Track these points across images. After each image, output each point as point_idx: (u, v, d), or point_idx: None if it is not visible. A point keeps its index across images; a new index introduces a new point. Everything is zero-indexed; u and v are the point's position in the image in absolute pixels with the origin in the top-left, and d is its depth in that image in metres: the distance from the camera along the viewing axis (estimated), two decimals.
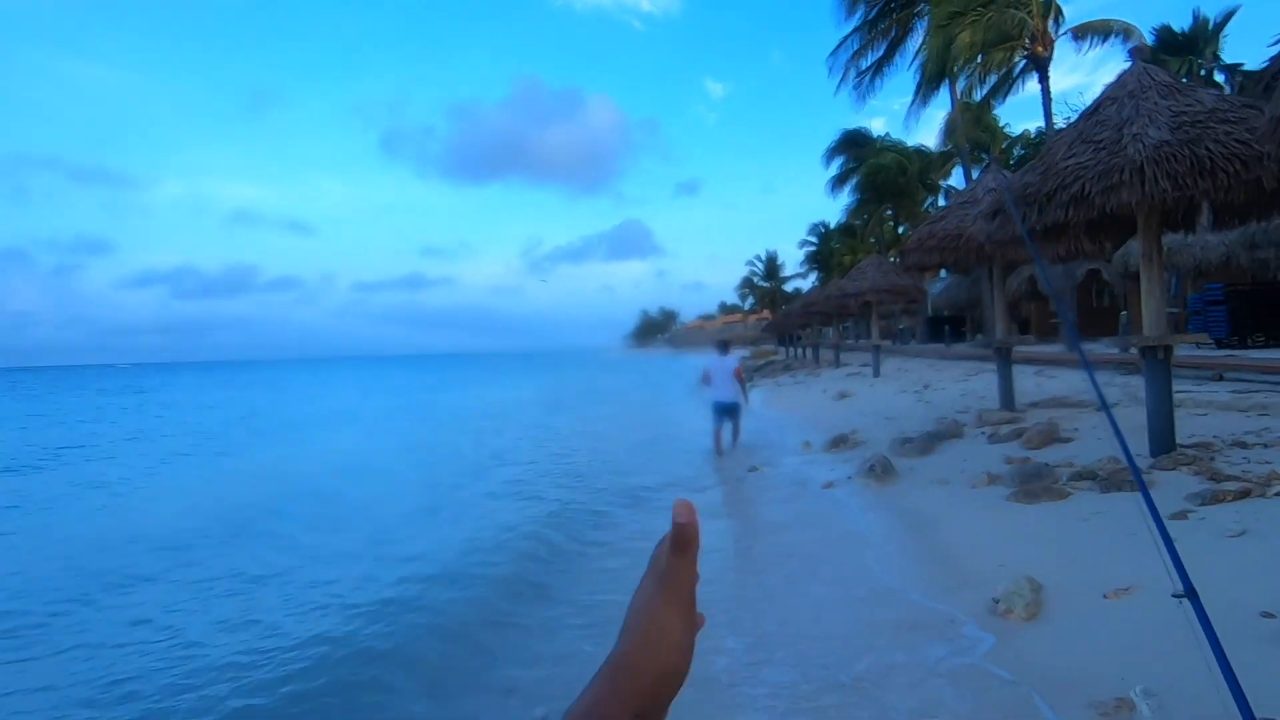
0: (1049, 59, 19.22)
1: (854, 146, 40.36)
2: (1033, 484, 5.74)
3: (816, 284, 53.24)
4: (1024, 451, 7.29)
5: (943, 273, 32.68)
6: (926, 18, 22.67)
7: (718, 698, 3.41)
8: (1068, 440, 7.47)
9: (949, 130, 30.63)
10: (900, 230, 41.19)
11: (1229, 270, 18.27)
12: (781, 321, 48.09)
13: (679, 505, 0.56)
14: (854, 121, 56.20)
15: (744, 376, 11.19)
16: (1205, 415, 7.63)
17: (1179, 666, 2.75)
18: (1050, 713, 2.77)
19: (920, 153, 39.82)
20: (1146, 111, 5.43)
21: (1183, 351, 12.30)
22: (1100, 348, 18.25)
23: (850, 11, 26.11)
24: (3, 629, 5.22)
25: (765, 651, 3.84)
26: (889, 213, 42.81)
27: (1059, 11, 19.43)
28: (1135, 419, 7.36)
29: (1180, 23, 24.48)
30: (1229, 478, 5.12)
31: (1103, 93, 6.06)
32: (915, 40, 24.86)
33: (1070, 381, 12.37)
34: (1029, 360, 15.35)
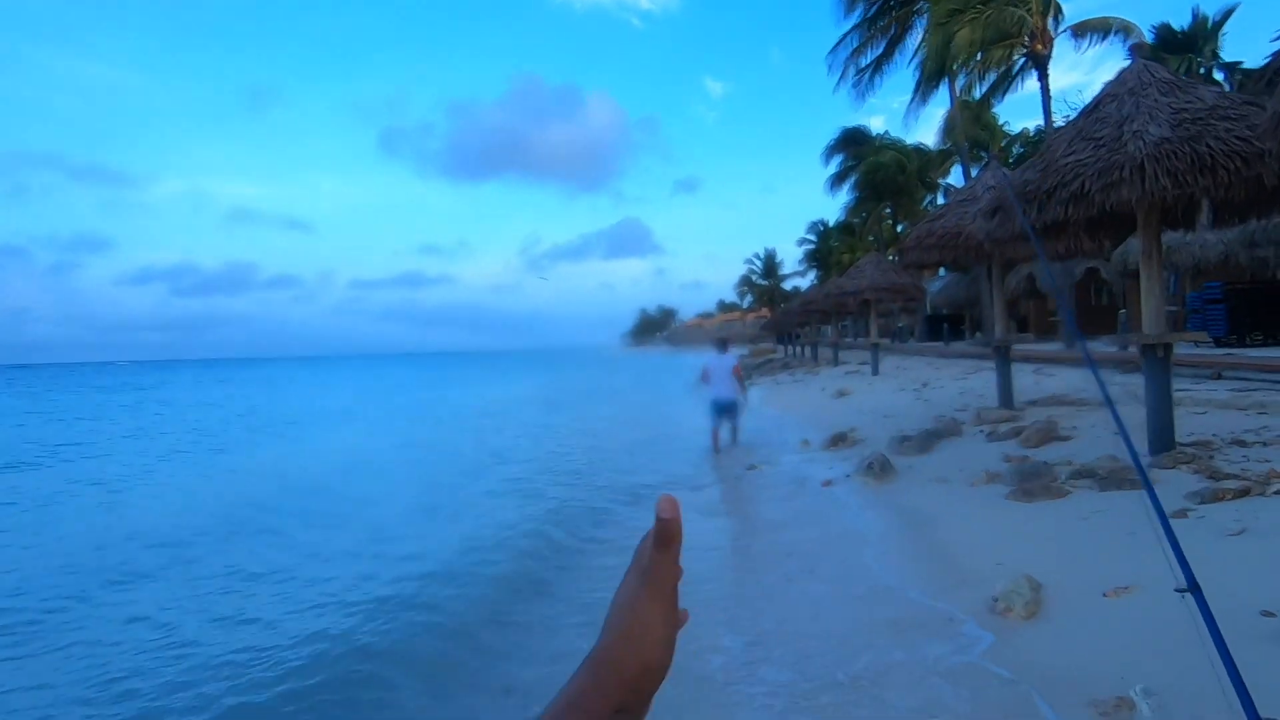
0: (1048, 57, 19.19)
1: (853, 145, 40.33)
2: (1031, 482, 5.73)
3: (815, 282, 53.23)
4: (1023, 450, 7.29)
5: (941, 271, 32.70)
6: (926, 15, 22.64)
7: (715, 696, 3.41)
8: (1066, 438, 7.46)
9: (948, 128, 30.64)
10: (899, 228, 41.18)
11: (1227, 269, 18.27)
12: (780, 320, 48.10)
13: (663, 500, 0.55)
14: (853, 120, 56.14)
15: (743, 375, 11.17)
16: (1204, 414, 7.63)
17: (1179, 665, 2.75)
18: (1050, 712, 2.77)
19: (919, 151, 39.81)
20: (1147, 108, 5.42)
21: (1181, 350, 12.29)
22: (1099, 346, 18.26)
23: (850, 9, 26.09)
24: None
25: (763, 650, 3.83)
26: (888, 211, 42.81)
27: (1058, 9, 19.41)
28: (1134, 417, 7.36)
29: (1179, 21, 24.49)
30: (1228, 476, 5.12)
31: (1103, 90, 6.04)
32: (915, 38, 24.84)
33: (1069, 380, 12.37)
34: (1027, 358, 15.35)
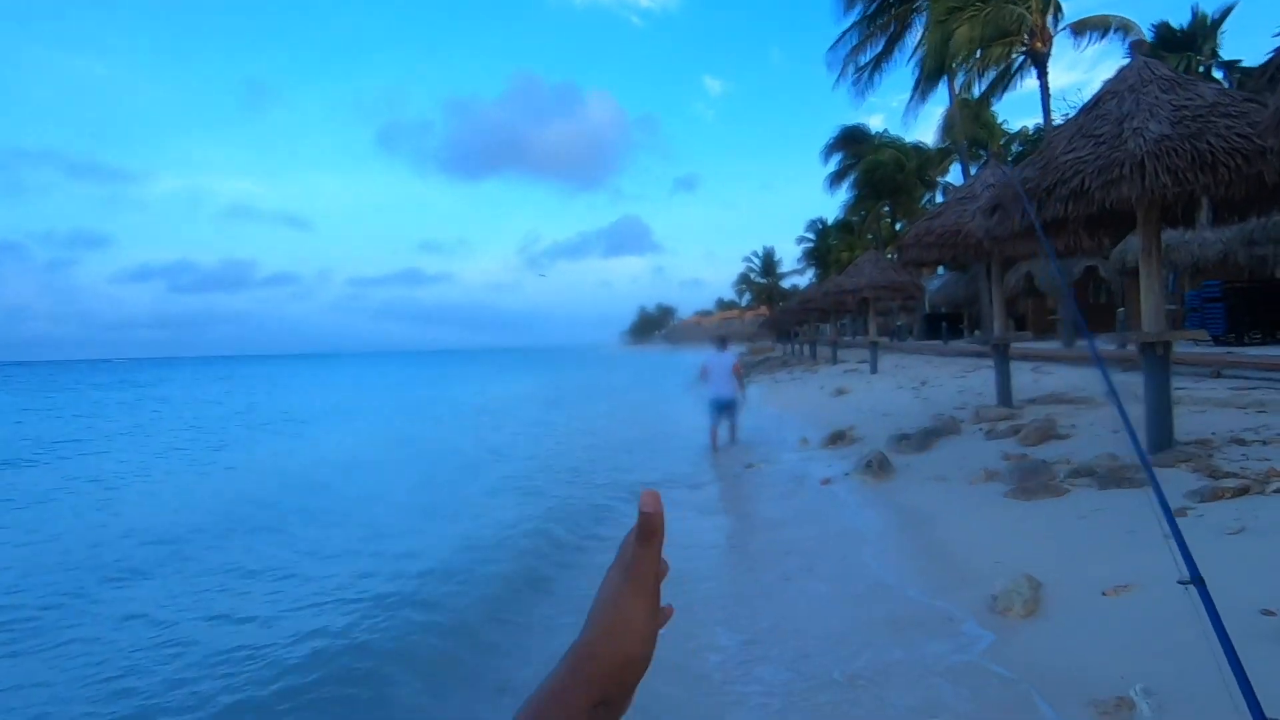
0: (1047, 55, 19.16)
1: (852, 143, 40.27)
2: (1030, 481, 5.72)
3: (814, 280, 53.19)
4: (1021, 448, 7.27)
5: (940, 270, 32.69)
6: (925, 13, 22.61)
7: (712, 695, 3.39)
8: (1065, 437, 7.45)
9: (947, 126, 30.60)
10: (898, 227, 41.14)
11: (1226, 267, 18.27)
12: (779, 318, 48.09)
13: (645, 495, 0.56)
14: (852, 118, 56.14)
15: (742, 373, 11.15)
16: (1203, 412, 7.62)
17: (1179, 664, 2.73)
18: (1050, 711, 2.75)
19: (918, 149, 39.76)
20: (1147, 106, 5.40)
21: (1180, 348, 12.29)
22: (1100, 344, 18.23)
23: (849, 7, 26.03)
24: None
25: (761, 648, 3.82)
26: (886, 209, 42.77)
27: (1058, 7, 19.38)
28: (1133, 415, 7.35)
29: (1179, 19, 24.52)
30: (1228, 474, 5.11)
31: (1103, 87, 6.02)
32: (914, 36, 24.80)
33: (1067, 378, 12.37)
34: (1026, 357, 15.34)
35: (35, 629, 5.08)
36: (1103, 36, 19.43)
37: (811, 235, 58.94)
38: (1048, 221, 6.07)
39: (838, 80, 27.09)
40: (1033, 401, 9.97)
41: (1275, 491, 4.59)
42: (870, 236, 44.25)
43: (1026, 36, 19.23)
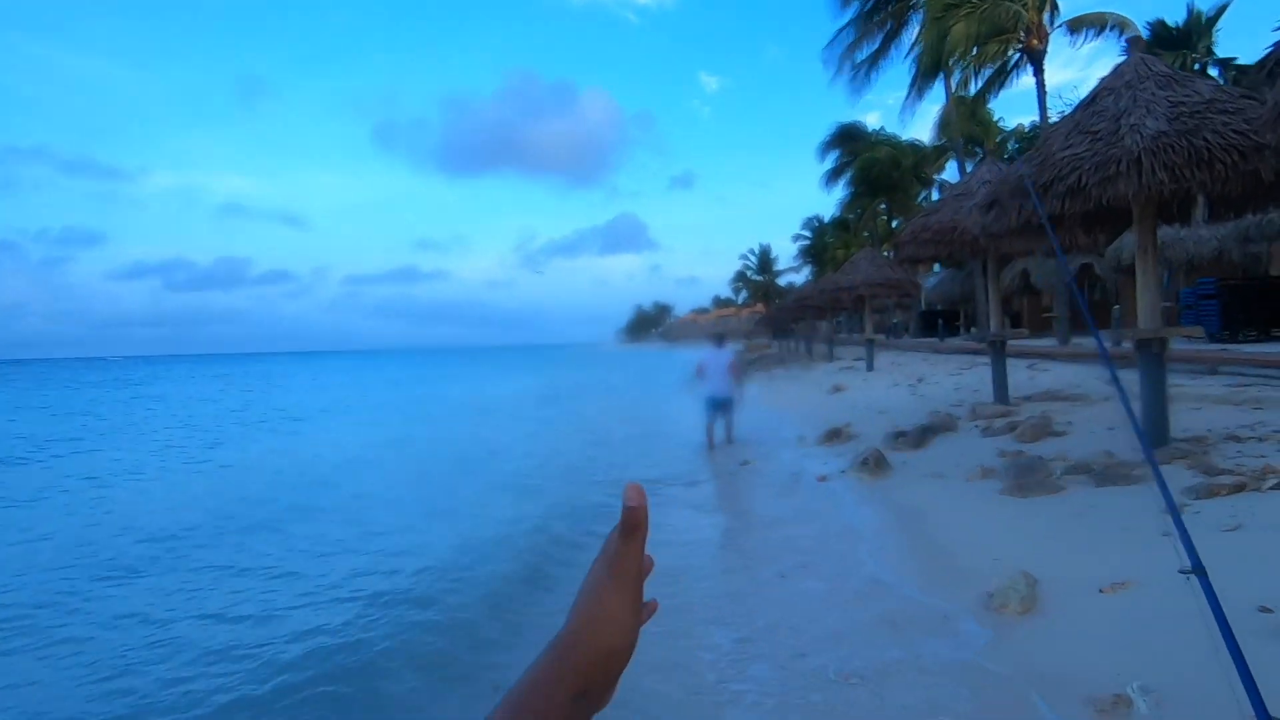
0: (1043, 52, 19.14)
1: (848, 140, 40.24)
2: (1027, 478, 5.72)
3: (810, 278, 53.20)
4: (1018, 445, 7.27)
5: (936, 267, 32.72)
6: (922, 10, 22.59)
7: (705, 695, 3.37)
8: (1061, 434, 7.45)
9: (943, 124, 30.61)
10: (894, 224, 41.16)
11: (1221, 265, 18.32)
12: (775, 315, 48.12)
13: (629, 489, 0.57)
14: (849, 115, 56.16)
15: (739, 370, 11.14)
16: (1199, 409, 7.63)
17: (1176, 661, 2.73)
18: (1047, 709, 2.74)
19: (914, 147, 39.77)
20: (1144, 102, 5.39)
21: (1175, 345, 12.31)
22: (1093, 342, 18.27)
23: (845, 4, 26.01)
24: None
25: (755, 647, 3.80)
26: (883, 207, 42.76)
27: (1054, 4, 19.36)
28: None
29: (1174, 17, 24.54)
30: (1223, 471, 5.10)
31: (1100, 83, 6.01)
32: (910, 33, 24.79)
33: (1063, 375, 12.38)
34: (1022, 354, 15.36)
35: (28, 628, 5.04)
36: (1098, 34, 19.43)
37: (808, 233, 58.97)
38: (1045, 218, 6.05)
39: (834, 77, 27.10)
40: (1029, 398, 9.97)
41: (1271, 488, 4.59)
42: (866, 234, 44.25)
43: (1022, 34, 19.21)
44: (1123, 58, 6.22)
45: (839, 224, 51.34)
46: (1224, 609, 1.46)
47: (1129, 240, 13.73)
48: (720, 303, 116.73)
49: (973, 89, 22.62)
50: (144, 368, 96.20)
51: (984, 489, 5.96)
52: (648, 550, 0.61)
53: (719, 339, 11.49)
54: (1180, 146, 5.02)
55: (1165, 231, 10.43)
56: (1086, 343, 18.46)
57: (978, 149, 30.59)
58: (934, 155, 39.44)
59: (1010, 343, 10.78)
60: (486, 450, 12.83)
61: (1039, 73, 19.25)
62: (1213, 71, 23.24)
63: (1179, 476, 5.17)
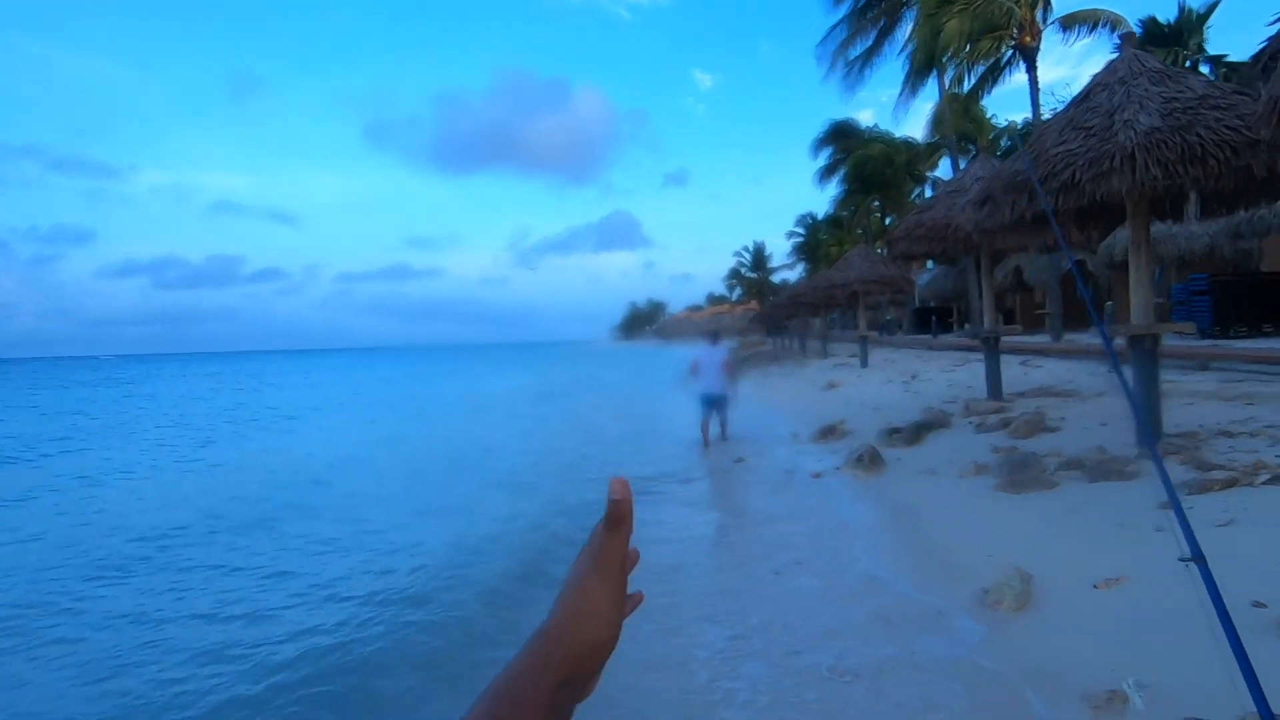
0: (1036, 49, 19.17)
1: (842, 138, 40.29)
2: (1020, 474, 5.73)
3: (804, 275, 53.25)
4: (1011, 441, 7.29)
5: (929, 264, 32.78)
6: (915, 7, 22.60)
7: (698, 694, 3.35)
8: (1054, 430, 7.47)
9: (936, 121, 30.65)
10: (887, 221, 41.23)
11: (1212, 260, 18.40)
12: (769, 312, 48.14)
13: (614, 483, 0.59)
14: (842, 112, 56.21)
15: (733, 368, 11.13)
16: (1191, 404, 7.65)
17: (1171, 657, 2.73)
18: (1041, 705, 2.74)
19: (907, 144, 39.85)
20: (1137, 98, 5.39)
21: (1167, 341, 12.35)
22: (1085, 338, 18.36)
23: (838, 0, 26.02)
24: None
25: (749, 644, 3.79)
26: (876, 204, 42.83)
27: (1046, 1, 19.40)
28: (1121, 408, 7.38)
29: (1166, 14, 24.60)
30: (1216, 467, 5.12)
31: (1093, 79, 6.01)
32: (904, 30, 24.81)
33: (1056, 371, 12.42)
34: (1015, 350, 15.40)
35: (19, 629, 5.00)
36: (1091, 31, 19.46)
37: (801, 230, 59.03)
38: (1038, 214, 6.06)
39: (827, 74, 27.13)
40: (1022, 395, 10.00)
41: (1264, 484, 4.60)
42: (860, 231, 44.31)
43: (1015, 30, 19.24)
44: (1115, 55, 6.23)
45: (832, 221, 51.40)
46: (1220, 603, 1.45)
47: (1121, 236, 13.77)
48: (714, 300, 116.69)
49: (966, 86, 22.64)
50: (135, 366, 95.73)
51: (978, 485, 5.96)
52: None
53: (714, 336, 11.48)
54: (1173, 142, 5.03)
55: (1157, 228, 10.43)
56: (1079, 339, 18.53)
57: (971, 146, 30.62)
58: (927, 152, 39.51)
59: (1003, 339, 10.80)
60: (481, 448, 12.79)
61: (1032, 70, 19.28)
62: (1204, 69, 23.32)
63: (1172, 472, 5.18)
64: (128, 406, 27.46)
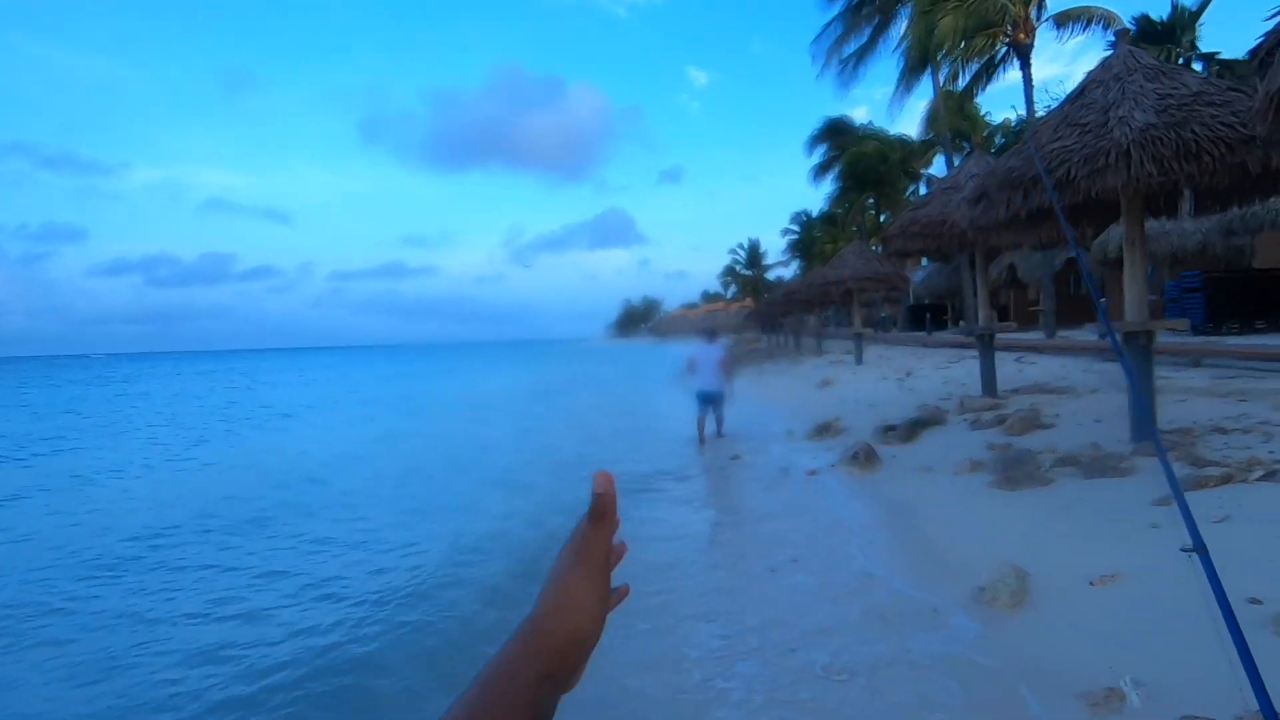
0: (1030, 46, 19.18)
1: (836, 135, 40.28)
2: (1015, 471, 5.73)
3: (799, 272, 53.27)
4: (1006, 438, 7.29)
5: (924, 261, 32.84)
6: (909, 4, 22.58)
7: (691, 693, 3.33)
8: (1049, 426, 7.48)
9: (931, 118, 30.67)
10: (881, 219, 41.26)
11: (1205, 257, 18.48)
12: (764, 310, 48.17)
13: (598, 476, 0.59)
14: (837, 110, 56.21)
15: (729, 365, 11.12)
16: (1184, 401, 7.67)
17: (1168, 654, 2.72)
18: (1037, 704, 2.73)
19: (901, 141, 39.87)
20: (1132, 94, 5.39)
21: (1160, 338, 12.39)
22: (1080, 335, 18.41)
23: None
24: None
25: (743, 643, 3.77)
26: (870, 201, 42.86)
27: None
28: (1115, 404, 7.39)
29: (1158, 11, 24.70)
30: (1211, 463, 5.12)
31: (1088, 75, 6.00)
32: (898, 27, 24.78)
33: (1050, 368, 12.44)
34: (1009, 347, 15.43)
35: (7, 629, 4.96)
36: (1085, 28, 19.49)
37: (796, 227, 58.99)
38: (1033, 211, 6.05)
39: (822, 71, 27.09)
40: (1016, 391, 10.01)
41: (1258, 480, 4.61)
42: (854, 228, 44.34)
43: (1009, 28, 19.26)
44: (1108, 52, 6.23)
45: (827, 218, 51.41)
46: (1214, 598, 1.44)
47: (1115, 233, 13.80)
48: (709, 297, 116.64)
49: (960, 83, 22.66)
50: (127, 365, 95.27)
51: (973, 482, 5.96)
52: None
53: (710, 334, 11.49)
54: (1168, 139, 5.03)
55: (1150, 225, 10.44)
56: (1073, 335, 18.58)
57: (965, 143, 30.67)
58: (921, 150, 39.55)
59: (997, 336, 10.81)
60: (477, 446, 12.76)
61: (1026, 67, 19.30)
62: (1196, 66, 23.38)
63: None
64: (120, 405, 27.31)
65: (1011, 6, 18.80)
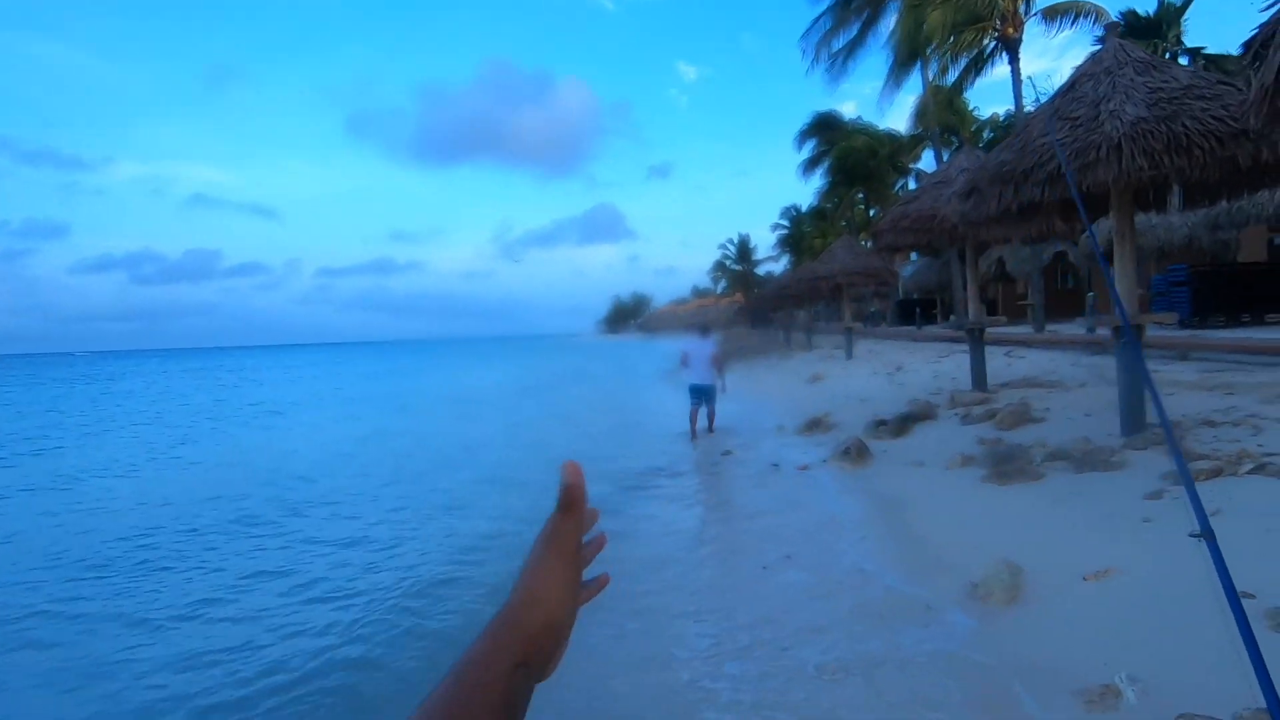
0: (1019, 40, 19.24)
1: (825, 130, 40.28)
2: (1006, 465, 5.73)
3: (789, 267, 53.33)
4: (997, 432, 7.30)
5: (913, 255, 32.91)
6: None
7: (680, 693, 3.29)
8: (1040, 420, 7.50)
9: (920, 113, 30.72)
10: (871, 213, 41.35)
11: (1191, 251, 18.60)
12: (754, 305, 48.24)
13: (566, 466, 0.60)
14: (826, 104, 56.22)
15: (721, 360, 11.12)
16: (1172, 394, 7.71)
17: (1164, 650, 2.71)
18: (1031, 701, 2.71)
19: (891, 136, 39.91)
20: (1123, 88, 5.38)
21: (1148, 332, 12.46)
22: (1068, 329, 18.51)
23: None
24: None
25: (733, 641, 3.74)
26: (860, 196, 42.94)
27: None
28: (1104, 398, 7.41)
29: (1145, 6, 24.81)
30: (1200, 456, 5.14)
31: (1079, 69, 6.00)
32: (887, 22, 24.80)
33: (1039, 362, 12.49)
34: (998, 341, 15.49)
35: None
36: (1073, 23, 19.56)
37: (786, 222, 59.02)
38: (1024, 205, 6.05)
39: (811, 66, 27.07)
40: (1006, 385, 10.04)
41: (1248, 473, 4.63)
42: (844, 223, 44.41)
43: (998, 22, 19.30)
44: (1096, 47, 6.22)
45: (817, 213, 51.47)
46: (1208, 594, 1.42)
47: (1104, 227, 13.85)
48: (699, 293, 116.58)
49: (949, 78, 22.70)
50: (112, 363, 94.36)
51: (965, 477, 5.97)
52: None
53: (703, 329, 11.47)
54: (1160, 132, 5.03)
55: (1138, 219, 10.46)
56: (1062, 329, 18.68)
57: (954, 138, 30.75)
58: (910, 144, 39.61)
59: (987, 330, 10.84)
60: (469, 443, 12.68)
61: (1014, 61, 19.35)
62: (1182, 60, 23.51)
63: (1157, 462, 5.21)
64: (104, 404, 27.02)
65: (1000, 1, 18.84)
